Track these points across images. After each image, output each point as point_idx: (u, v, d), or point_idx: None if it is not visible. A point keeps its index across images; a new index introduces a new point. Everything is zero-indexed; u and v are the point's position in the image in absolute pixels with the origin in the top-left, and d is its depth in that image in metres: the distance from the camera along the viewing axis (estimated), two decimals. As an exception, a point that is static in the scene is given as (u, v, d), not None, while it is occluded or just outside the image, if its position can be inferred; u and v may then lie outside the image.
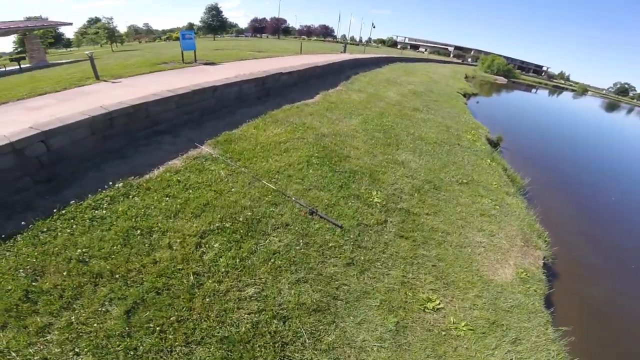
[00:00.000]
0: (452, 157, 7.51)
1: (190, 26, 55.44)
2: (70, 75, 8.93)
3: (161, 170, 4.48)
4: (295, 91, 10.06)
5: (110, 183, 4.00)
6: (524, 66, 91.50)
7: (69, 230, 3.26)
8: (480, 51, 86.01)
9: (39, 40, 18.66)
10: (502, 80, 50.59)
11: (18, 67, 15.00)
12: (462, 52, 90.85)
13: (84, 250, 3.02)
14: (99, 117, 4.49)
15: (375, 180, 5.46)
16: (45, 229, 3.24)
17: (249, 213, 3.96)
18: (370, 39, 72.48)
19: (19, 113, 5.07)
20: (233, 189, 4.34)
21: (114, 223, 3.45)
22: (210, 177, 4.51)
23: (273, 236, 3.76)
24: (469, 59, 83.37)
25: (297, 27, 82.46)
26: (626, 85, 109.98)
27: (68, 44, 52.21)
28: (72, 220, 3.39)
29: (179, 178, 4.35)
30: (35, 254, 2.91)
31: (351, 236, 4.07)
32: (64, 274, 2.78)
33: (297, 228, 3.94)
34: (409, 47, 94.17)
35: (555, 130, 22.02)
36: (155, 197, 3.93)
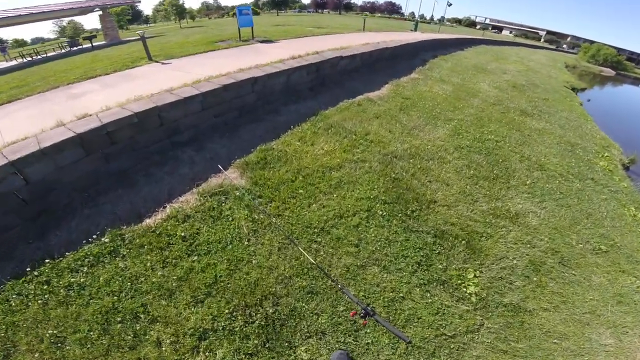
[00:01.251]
0: (585, 205, 5.03)
1: (253, 2, 54.95)
2: (129, 54, 8.94)
3: (166, 214, 3.38)
4: (356, 79, 7.90)
5: (99, 233, 3.12)
6: (633, 57, 75.13)
7: (41, 300, 2.60)
8: (578, 38, 77.11)
9: (112, 17, 19.33)
10: (608, 72, 42.22)
11: (90, 45, 15.74)
12: (555, 38, 79.70)
13: (57, 329, 2.44)
14: (90, 134, 3.54)
15: (475, 251, 3.61)
16: (17, 293, 2.64)
17: (272, 307, 2.75)
18: (443, 17, 65.29)
19: (60, 101, 5.25)
20: (255, 259, 3.07)
21: (94, 296, 2.66)
22: (227, 232, 3.27)
23: (301, 350, 2.52)
24: (564, 46, 73.38)
25: (360, 2, 76.81)
26: None
27: (147, 20, 55.42)
28: (46, 286, 2.69)
29: (184, 232, 3.20)
30: (6, 323, 2.45)
31: (422, 356, 2.62)
32: (36, 355, 2.28)
33: (338, 339, 2.62)
34: (490, 28, 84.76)
35: None
36: (149, 263, 2.89)
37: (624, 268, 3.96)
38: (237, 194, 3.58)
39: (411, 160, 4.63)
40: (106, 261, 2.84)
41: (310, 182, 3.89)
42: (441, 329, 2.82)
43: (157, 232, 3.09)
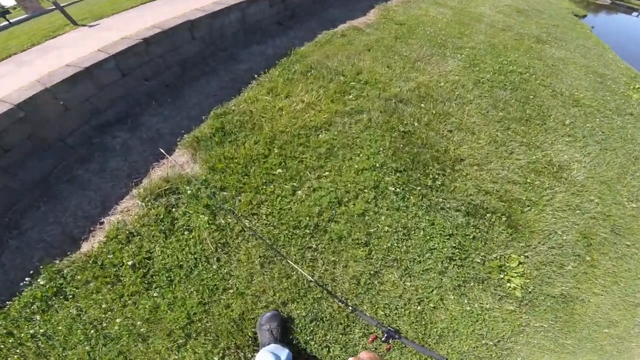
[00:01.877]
0: (629, 146, 4.21)
1: None
2: (51, 24, 7.13)
3: (105, 233, 2.35)
4: (335, 5, 6.33)
5: (32, 272, 2.17)
6: None
7: (17, 354, 1.87)
8: None
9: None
10: (604, 0, 40.13)
11: (7, 22, 12.51)
12: None
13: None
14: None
15: (517, 228, 2.77)
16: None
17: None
18: None
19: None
20: (232, 285, 2.18)
21: (66, 347, 1.92)
22: (187, 250, 2.29)
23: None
24: None
25: None
26: None
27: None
28: (12, 339, 1.92)
29: (132, 258, 2.21)
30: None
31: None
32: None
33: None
34: None
35: None
36: (104, 304, 2.04)
37: None
38: (190, 189, 2.47)
39: (422, 105, 3.44)
40: (55, 306, 2.03)
41: (290, 154, 2.74)
42: (482, 339, 2.24)
43: (100, 263, 2.16)
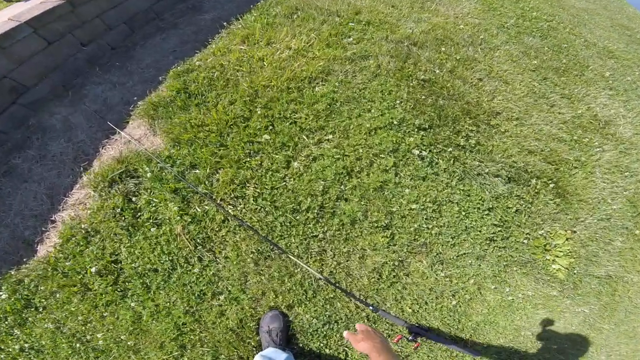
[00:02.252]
0: None
1: None
2: None
3: (58, 233, 1.76)
4: None
5: None
6: None
7: None
8: None
9: None
10: None
11: None
12: None
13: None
14: None
15: (566, 196, 2.29)
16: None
17: None
18: None
19: None
20: (223, 289, 1.70)
21: None
22: (159, 251, 1.72)
23: None
24: None
25: None
26: None
27: None
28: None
29: (96, 262, 1.68)
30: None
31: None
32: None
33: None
34: None
35: None
36: (80, 316, 1.64)
37: None
38: (151, 170, 1.86)
39: (442, 49, 2.79)
40: (30, 319, 1.65)
41: (279, 115, 2.09)
42: (521, 330, 1.96)
43: (61, 270, 1.68)
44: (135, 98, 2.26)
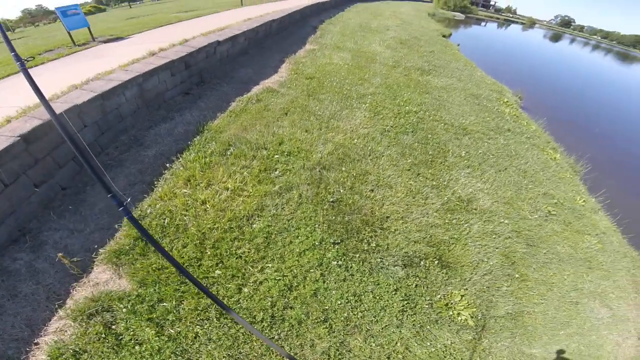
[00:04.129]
0: (516, 161, 5.36)
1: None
2: None
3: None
4: (246, 64, 6.65)
5: None
6: (475, 1, 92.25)
7: None
8: None
9: None
10: (460, 16, 52.09)
11: None
12: None
13: None
14: None
15: (450, 266, 3.25)
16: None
17: None
18: None
19: None
20: None
21: None
22: None
23: None
24: None
25: None
26: (566, 18, 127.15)
27: None
28: None
29: None
30: None
31: None
32: None
33: None
34: None
35: (545, 68, 20.83)
36: None
37: (577, 227, 4.38)
38: (125, 307, 2.35)
39: (343, 168, 3.90)
40: None
41: (226, 253, 2.87)
42: None
43: None
44: (96, 246, 2.78)
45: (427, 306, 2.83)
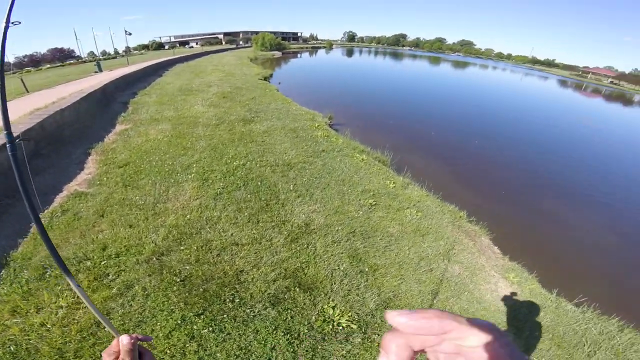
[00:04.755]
0: (335, 174, 6.54)
1: None
2: None
3: None
4: (42, 170, 5.95)
5: None
6: (285, 36, 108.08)
7: None
8: (247, 32, 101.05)
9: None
10: (278, 54, 60.16)
11: None
12: (232, 37, 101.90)
13: None
14: None
15: (309, 287, 3.64)
16: None
17: None
18: (129, 47, 70.23)
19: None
20: None
21: None
22: None
23: None
24: (241, 42, 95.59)
25: (13, 60, 58.10)
26: (350, 33, 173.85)
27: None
28: None
29: None
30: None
31: None
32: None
33: None
34: (178, 45, 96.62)
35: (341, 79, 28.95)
36: None
37: (396, 207, 5.59)
38: None
39: (182, 247, 4.02)
40: None
41: (91, 358, 2.49)
42: None
43: None
44: None
45: (307, 330, 3.15)
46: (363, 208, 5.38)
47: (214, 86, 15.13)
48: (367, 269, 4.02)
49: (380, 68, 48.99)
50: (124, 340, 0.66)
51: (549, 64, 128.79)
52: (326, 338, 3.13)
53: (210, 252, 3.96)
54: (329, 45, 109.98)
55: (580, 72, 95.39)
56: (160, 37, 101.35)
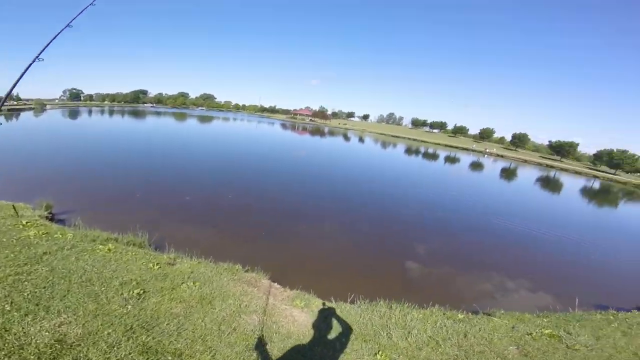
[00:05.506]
0: (74, 277, 5.47)
1: None
2: None
3: None
4: None
5: None
6: None
7: None
8: None
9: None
10: None
11: None
12: None
13: None
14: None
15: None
16: None
17: None
18: None
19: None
20: None
21: None
22: None
23: None
24: None
25: None
26: (74, 90, 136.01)
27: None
28: None
29: None
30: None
31: None
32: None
33: None
34: None
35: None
36: None
37: (169, 286, 5.41)
38: None
39: None
40: None
41: None
42: None
43: None
44: None
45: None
46: (130, 301, 4.92)
47: None
48: (170, 358, 3.74)
49: (116, 128, 43.72)
50: None
51: (273, 110, 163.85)
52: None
53: None
54: (40, 106, 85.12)
55: (292, 115, 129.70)
56: None
